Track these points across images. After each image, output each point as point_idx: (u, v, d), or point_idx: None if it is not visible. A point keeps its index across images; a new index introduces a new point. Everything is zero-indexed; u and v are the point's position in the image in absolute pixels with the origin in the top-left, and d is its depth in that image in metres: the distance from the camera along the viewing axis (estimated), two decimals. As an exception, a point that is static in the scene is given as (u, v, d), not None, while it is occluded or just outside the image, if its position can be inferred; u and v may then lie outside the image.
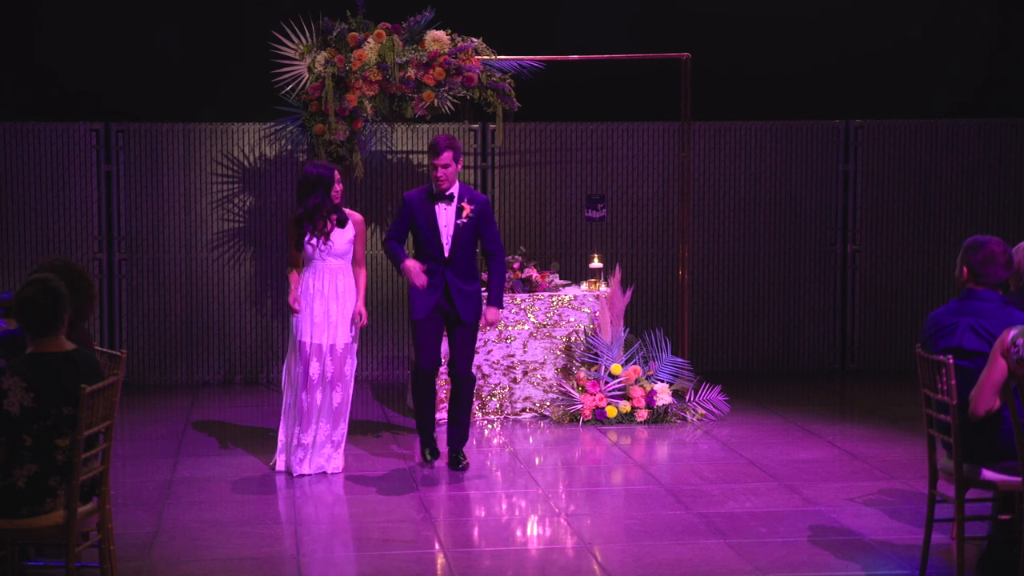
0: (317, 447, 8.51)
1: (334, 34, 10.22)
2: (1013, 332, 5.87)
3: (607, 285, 10.41)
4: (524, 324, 10.28)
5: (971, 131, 12.30)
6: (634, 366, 10.11)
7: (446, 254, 8.52)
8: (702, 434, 9.77)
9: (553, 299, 10.33)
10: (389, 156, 11.75)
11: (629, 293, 10.31)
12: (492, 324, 8.72)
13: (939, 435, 6.33)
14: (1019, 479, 6.06)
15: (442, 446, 8.97)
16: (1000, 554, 6.39)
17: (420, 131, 11.69)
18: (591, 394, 10.04)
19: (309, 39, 10.31)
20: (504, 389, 10.27)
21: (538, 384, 10.31)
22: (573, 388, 10.13)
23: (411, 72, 10.17)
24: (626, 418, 10.04)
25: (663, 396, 10.09)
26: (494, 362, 10.26)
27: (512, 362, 10.28)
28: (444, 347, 8.92)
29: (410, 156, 11.78)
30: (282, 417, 8.62)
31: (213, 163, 11.64)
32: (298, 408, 8.46)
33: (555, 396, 10.26)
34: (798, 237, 12.24)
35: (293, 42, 10.31)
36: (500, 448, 9.41)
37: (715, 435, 9.69)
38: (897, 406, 10.65)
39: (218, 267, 11.71)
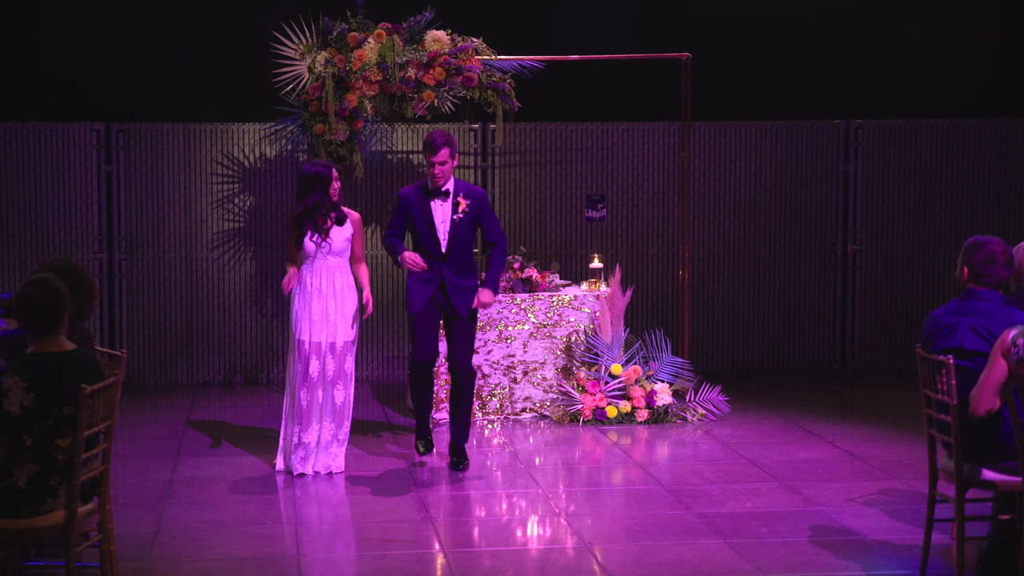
0: (323, 446, 8.52)
1: (334, 34, 10.22)
2: (1013, 332, 5.87)
3: (607, 285, 10.41)
4: (524, 324, 10.28)
5: (971, 131, 12.30)
6: (634, 366, 10.11)
7: (443, 250, 8.53)
8: (702, 434, 9.77)
9: (553, 299, 10.33)
10: (389, 156, 11.75)
11: (629, 293, 10.31)
12: (484, 306, 8.65)
13: (939, 435, 6.33)
14: (1019, 479, 6.06)
15: (443, 447, 8.97)
16: (1000, 554, 6.39)
17: (420, 131, 11.68)
18: (591, 394, 10.04)
19: (309, 39, 10.31)
20: (504, 389, 10.27)
21: (538, 384, 10.31)
22: (573, 388, 10.13)
23: (411, 72, 10.17)
24: (626, 418, 10.04)
25: (663, 396, 10.09)
26: (494, 362, 10.26)
27: (512, 362, 10.28)
28: (443, 347, 8.93)
29: (410, 156, 11.78)
30: (283, 417, 8.63)
31: (213, 163, 11.64)
32: (297, 406, 8.47)
33: (555, 396, 10.26)
34: (798, 237, 12.25)
35: (293, 42, 10.32)
36: (500, 448, 9.41)
37: (715, 435, 9.69)
38: (897, 406, 10.65)
39: (218, 267, 11.71)
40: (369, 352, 11.84)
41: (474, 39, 10.36)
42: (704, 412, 10.17)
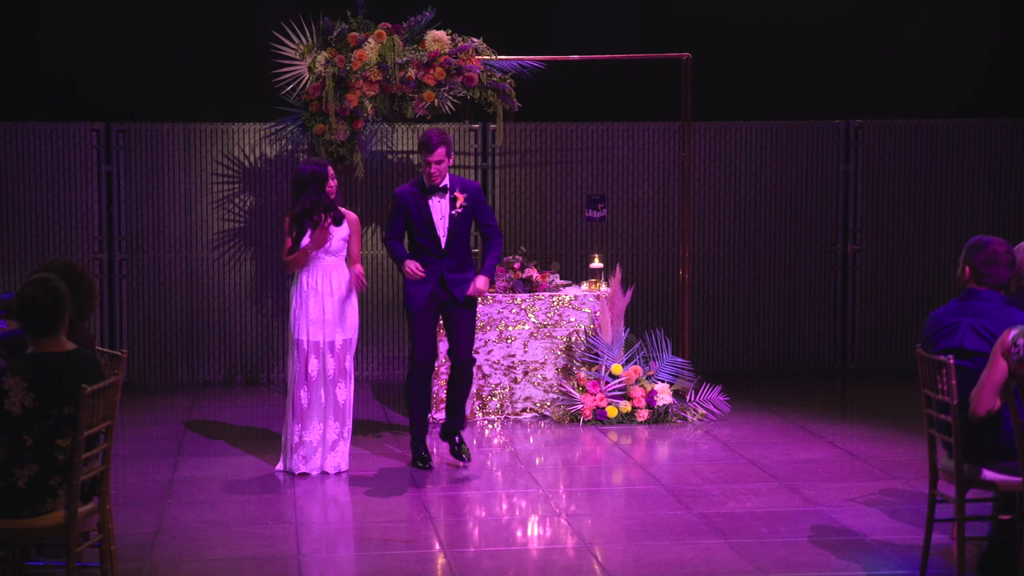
0: (329, 446, 8.51)
1: (334, 34, 10.22)
2: (1014, 332, 5.87)
3: (607, 285, 10.41)
4: (525, 324, 10.28)
5: (971, 131, 12.30)
6: (634, 366, 10.11)
7: (442, 246, 8.54)
8: (703, 434, 9.77)
9: (554, 299, 10.33)
10: (390, 156, 11.75)
11: (629, 293, 10.31)
12: (479, 292, 8.63)
13: (940, 435, 6.33)
14: (1019, 479, 6.06)
15: (438, 441, 8.98)
16: (1000, 554, 6.39)
17: (420, 131, 11.63)
18: (591, 394, 10.04)
19: (309, 39, 10.31)
20: (505, 389, 10.27)
21: (539, 384, 10.31)
22: (574, 388, 10.13)
23: (411, 72, 10.17)
24: (626, 418, 10.04)
25: (663, 396, 10.09)
26: (495, 362, 10.26)
27: (513, 362, 10.28)
28: (443, 347, 8.94)
29: (410, 156, 11.78)
30: (286, 418, 8.63)
31: (214, 163, 11.64)
32: (297, 406, 8.47)
33: (556, 396, 10.26)
34: (799, 237, 12.25)
35: (293, 42, 10.32)
36: (500, 448, 9.41)
37: (716, 435, 9.69)
38: (898, 406, 10.65)
39: (219, 267, 11.71)
40: (369, 352, 11.84)
41: (474, 39, 10.36)
42: (704, 412, 10.17)
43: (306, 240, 8.45)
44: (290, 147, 11.41)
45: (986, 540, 6.51)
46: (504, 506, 8.01)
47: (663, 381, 10.19)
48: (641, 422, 10.03)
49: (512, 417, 10.27)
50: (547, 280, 10.44)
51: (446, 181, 8.55)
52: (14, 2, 11.71)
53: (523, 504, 8.02)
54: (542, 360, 10.32)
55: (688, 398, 10.23)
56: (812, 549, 6.97)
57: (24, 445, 5.52)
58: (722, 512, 7.65)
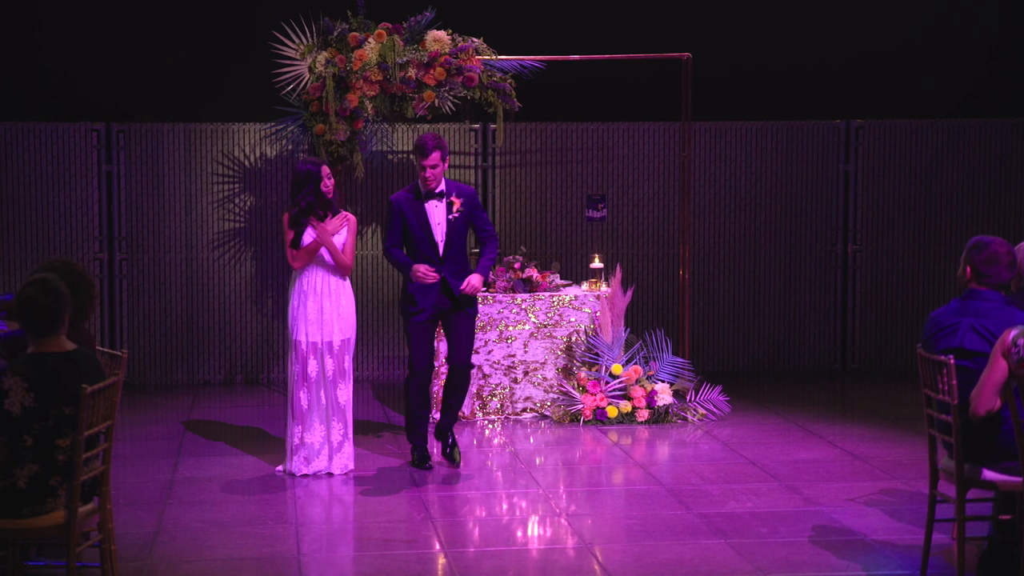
0: (335, 447, 8.51)
1: (335, 34, 10.22)
2: (1014, 332, 5.87)
3: (608, 285, 10.41)
4: (525, 324, 10.28)
5: (971, 131, 12.30)
6: (635, 366, 10.11)
7: (440, 252, 8.54)
8: (703, 434, 9.77)
9: (554, 299, 10.33)
10: (390, 156, 11.75)
11: (630, 293, 10.31)
12: (474, 289, 8.60)
13: (940, 435, 6.33)
14: (1020, 479, 6.06)
15: (434, 442, 8.99)
16: (1001, 554, 6.39)
17: (421, 131, 11.63)
18: (592, 394, 10.04)
19: (310, 39, 10.31)
20: (505, 389, 10.27)
21: (539, 384, 10.31)
22: (574, 388, 10.13)
23: (412, 72, 10.17)
24: (627, 418, 10.04)
25: (664, 396, 10.09)
26: (495, 362, 10.26)
27: (513, 362, 10.28)
28: (443, 348, 8.94)
29: (410, 156, 11.78)
30: (286, 419, 8.63)
31: (214, 163, 11.64)
32: (297, 407, 8.46)
33: (556, 396, 10.25)
34: (799, 237, 12.24)
35: (294, 42, 10.32)
36: (501, 448, 9.41)
37: (716, 435, 9.69)
38: (898, 406, 10.65)
39: (219, 267, 11.71)
40: (369, 352, 11.85)
41: (475, 39, 10.36)
42: (704, 412, 10.17)
43: (306, 239, 8.45)
44: (290, 147, 11.41)
45: (986, 540, 6.51)
46: (504, 506, 8.01)
47: (663, 381, 10.19)
48: (641, 422, 10.03)
49: (512, 417, 10.27)
50: (547, 280, 10.44)
51: (442, 186, 8.56)
52: (14, 2, 11.71)
53: (523, 504, 8.02)
54: (542, 360, 10.32)
55: (688, 398, 10.23)
56: (812, 549, 6.97)
57: (24, 445, 5.52)
58: (722, 512, 7.65)
